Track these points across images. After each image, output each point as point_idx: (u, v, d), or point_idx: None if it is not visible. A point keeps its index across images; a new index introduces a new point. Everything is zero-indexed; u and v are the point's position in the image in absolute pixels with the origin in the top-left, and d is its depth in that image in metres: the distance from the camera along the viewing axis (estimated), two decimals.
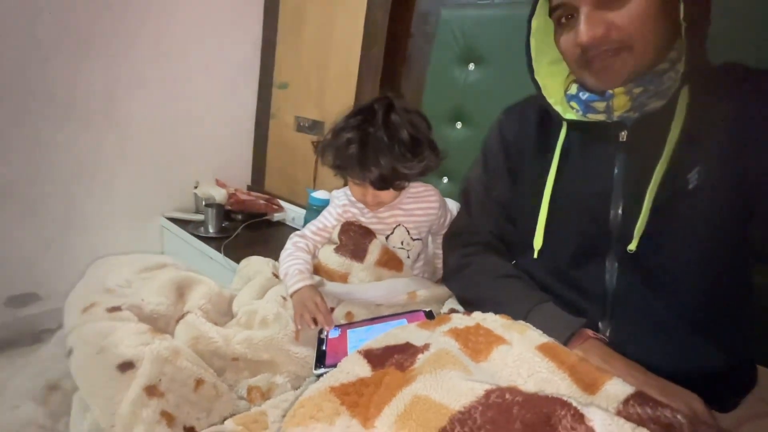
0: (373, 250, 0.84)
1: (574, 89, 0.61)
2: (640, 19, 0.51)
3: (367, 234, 0.86)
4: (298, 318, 0.74)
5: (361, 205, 0.88)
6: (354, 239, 0.86)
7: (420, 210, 0.89)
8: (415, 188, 0.89)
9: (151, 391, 0.51)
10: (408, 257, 0.88)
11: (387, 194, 0.83)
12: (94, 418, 0.49)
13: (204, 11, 1.54)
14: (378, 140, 0.75)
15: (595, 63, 0.55)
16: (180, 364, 0.56)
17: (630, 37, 0.52)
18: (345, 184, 0.90)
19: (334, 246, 0.88)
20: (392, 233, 0.88)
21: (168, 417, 0.50)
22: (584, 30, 0.52)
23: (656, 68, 0.54)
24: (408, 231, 0.88)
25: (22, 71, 1.23)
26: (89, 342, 0.55)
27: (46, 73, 1.27)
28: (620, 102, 0.56)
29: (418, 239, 0.90)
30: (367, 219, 0.88)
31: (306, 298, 0.76)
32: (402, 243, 0.88)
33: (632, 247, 0.57)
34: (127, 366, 0.52)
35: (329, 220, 0.90)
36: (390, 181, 0.79)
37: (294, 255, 0.85)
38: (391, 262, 0.85)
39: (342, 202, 0.90)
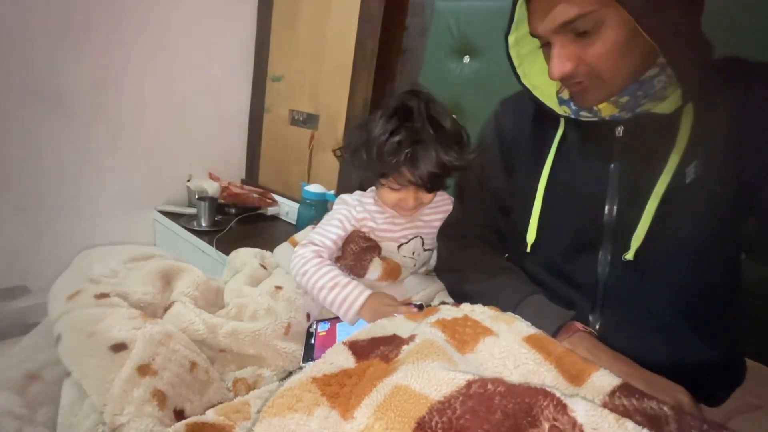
0: (374, 270, 0.81)
1: (566, 94, 0.61)
2: (607, 55, 0.51)
3: (369, 250, 0.82)
4: None
5: (378, 215, 0.82)
6: (355, 254, 0.81)
7: (438, 221, 0.84)
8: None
9: (144, 370, 0.51)
10: (414, 266, 0.86)
11: (429, 195, 0.78)
12: (91, 402, 0.48)
13: (197, 2, 1.52)
14: (428, 137, 0.70)
15: (570, 89, 0.58)
16: (173, 347, 0.55)
17: (598, 71, 0.53)
18: (355, 186, 0.85)
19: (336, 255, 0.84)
20: (407, 243, 0.84)
21: (160, 396, 0.49)
22: (553, 66, 0.53)
23: (643, 76, 0.53)
24: (423, 242, 0.85)
25: (3, 60, 1.20)
26: (79, 328, 0.54)
27: (31, 63, 1.24)
28: (607, 110, 0.57)
29: (429, 250, 0.86)
30: (385, 227, 0.82)
31: (378, 307, 0.70)
32: (413, 254, 0.85)
33: (629, 256, 0.57)
34: (119, 347, 0.52)
35: (346, 227, 0.82)
36: (441, 180, 0.74)
37: (327, 272, 0.75)
38: (391, 275, 0.83)
39: (361, 216, 0.83)
